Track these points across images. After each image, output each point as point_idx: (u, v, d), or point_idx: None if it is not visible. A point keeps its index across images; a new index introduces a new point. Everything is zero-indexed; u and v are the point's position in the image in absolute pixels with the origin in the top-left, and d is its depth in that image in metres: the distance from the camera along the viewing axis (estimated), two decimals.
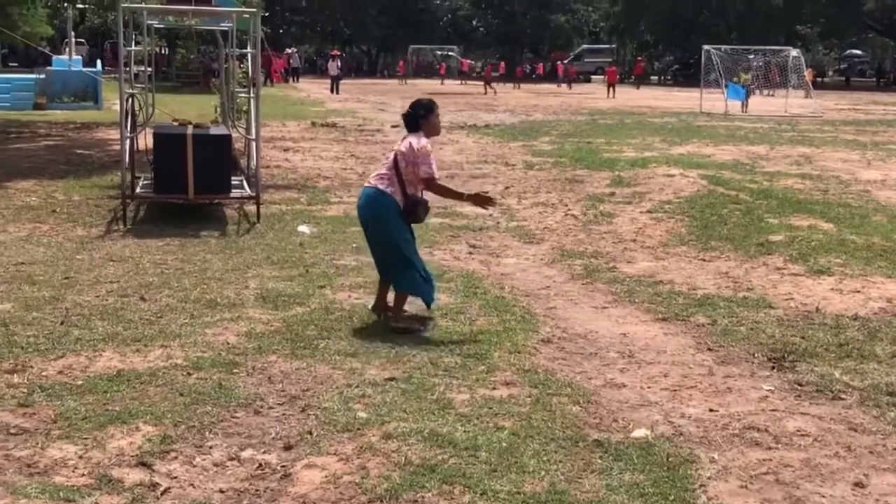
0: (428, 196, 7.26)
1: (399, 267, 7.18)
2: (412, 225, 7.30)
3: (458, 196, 7.69)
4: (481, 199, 7.56)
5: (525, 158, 18.08)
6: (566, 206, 12.95)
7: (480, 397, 5.70)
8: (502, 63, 69.62)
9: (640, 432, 5.25)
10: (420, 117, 7.21)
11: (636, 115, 31.97)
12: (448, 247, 10.26)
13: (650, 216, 12.01)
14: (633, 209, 12.53)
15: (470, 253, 10.03)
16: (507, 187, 14.64)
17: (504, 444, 4.99)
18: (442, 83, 60.50)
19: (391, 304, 7.35)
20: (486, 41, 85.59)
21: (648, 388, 6.03)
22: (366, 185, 7.36)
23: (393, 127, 25.19)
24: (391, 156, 7.19)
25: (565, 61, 67.27)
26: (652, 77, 66.54)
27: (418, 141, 7.08)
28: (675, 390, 5.99)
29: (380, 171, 7.24)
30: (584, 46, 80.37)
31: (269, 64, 45.99)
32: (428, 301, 7.35)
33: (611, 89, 48.19)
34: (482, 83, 53.35)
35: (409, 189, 7.06)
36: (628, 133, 23.44)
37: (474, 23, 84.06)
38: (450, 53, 69.05)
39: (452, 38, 78.35)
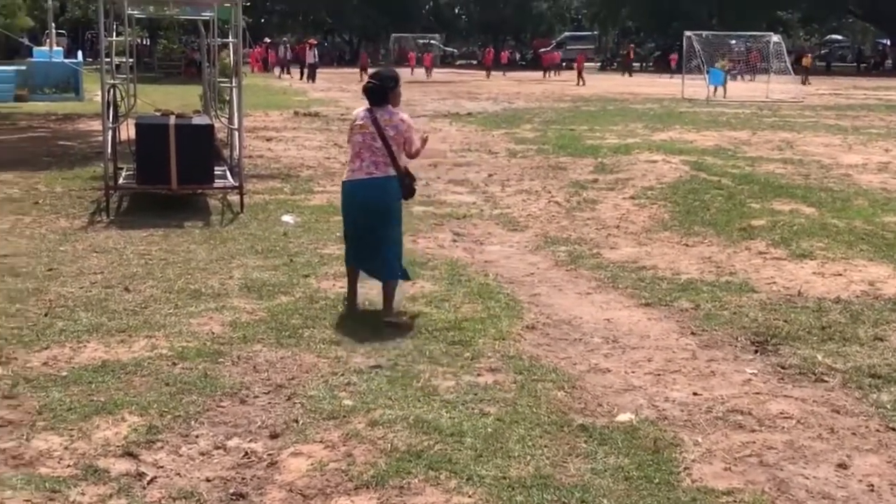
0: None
1: (394, 257, 7.16)
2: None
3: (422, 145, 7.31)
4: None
5: (508, 146, 18.08)
6: (549, 193, 12.97)
7: (465, 384, 5.72)
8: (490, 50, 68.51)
9: (624, 416, 5.28)
10: (390, 90, 7.08)
11: (619, 101, 32.01)
12: (432, 235, 10.26)
13: (633, 202, 12.05)
14: (616, 195, 12.56)
15: (454, 241, 10.04)
16: (490, 175, 14.65)
17: (489, 430, 5.01)
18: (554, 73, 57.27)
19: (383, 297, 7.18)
20: (469, 29, 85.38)
21: (632, 372, 6.07)
22: (368, 176, 6.93)
23: None
24: (374, 141, 6.90)
25: (543, 50, 66.59)
26: (634, 64, 66.50)
27: (405, 121, 7.02)
28: (658, 374, 6.03)
29: (374, 158, 6.92)
30: (566, 34, 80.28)
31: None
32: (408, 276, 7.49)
33: (580, 77, 47.62)
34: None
35: (400, 165, 7.01)
36: (611, 120, 23.48)
37: (456, 10, 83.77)
38: (432, 42, 68.81)
39: (434, 27, 78.13)
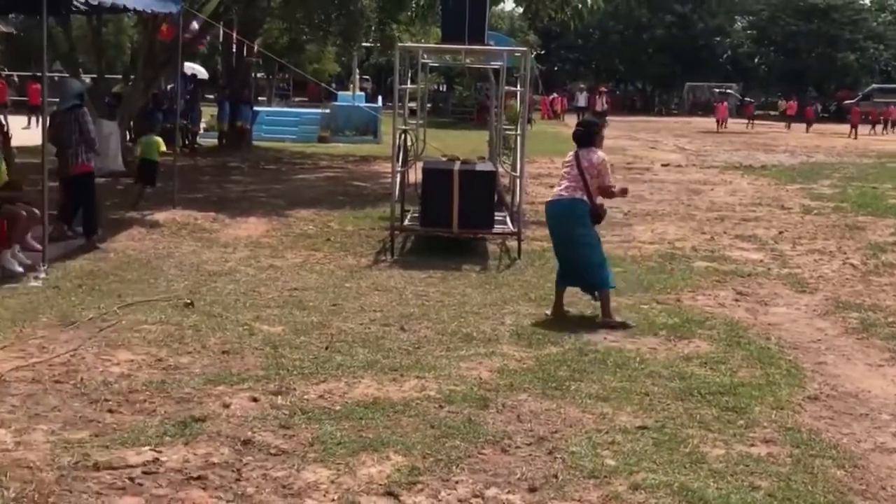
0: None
1: (600, 268, 8.39)
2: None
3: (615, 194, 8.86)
4: (624, 192, 9.04)
5: (802, 202, 17.28)
6: (844, 254, 12.23)
7: (736, 453, 5.42)
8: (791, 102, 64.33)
9: None
10: (595, 134, 8.57)
11: None
12: (713, 292, 9.88)
13: None
14: None
15: (736, 300, 9.61)
16: (780, 232, 14.01)
17: None
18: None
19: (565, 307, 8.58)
20: (768, 79, 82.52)
21: None
22: (558, 197, 8.47)
23: (663, 166, 24.76)
24: (572, 170, 8.37)
25: (848, 102, 62.42)
26: None
27: (599, 156, 8.40)
28: None
29: (567, 184, 8.39)
30: (874, 86, 75.97)
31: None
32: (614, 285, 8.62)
33: (853, 130, 43.96)
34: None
35: (594, 196, 8.35)
36: None
37: (755, 60, 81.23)
38: (728, 91, 67.09)
39: (731, 75, 76.21)
